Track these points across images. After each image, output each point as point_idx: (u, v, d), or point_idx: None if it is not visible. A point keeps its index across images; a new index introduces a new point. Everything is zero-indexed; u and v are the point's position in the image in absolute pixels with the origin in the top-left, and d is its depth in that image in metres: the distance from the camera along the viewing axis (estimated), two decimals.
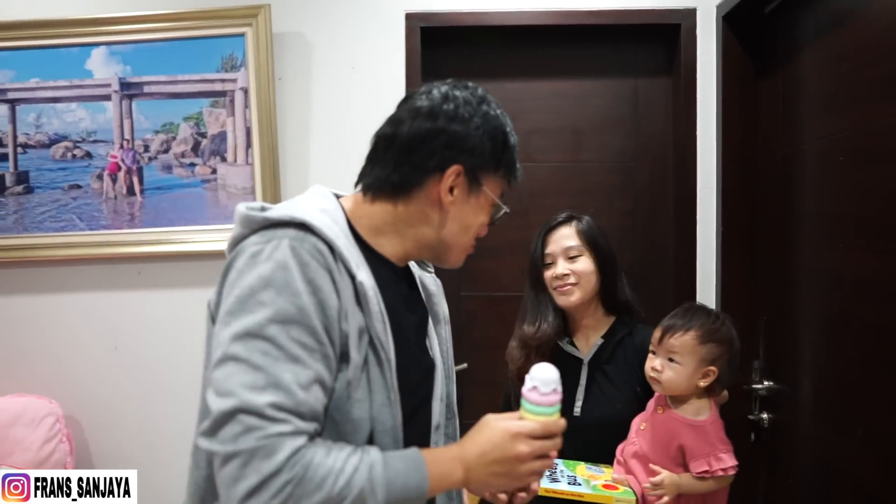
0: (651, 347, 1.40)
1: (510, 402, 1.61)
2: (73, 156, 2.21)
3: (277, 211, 0.92)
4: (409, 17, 2.13)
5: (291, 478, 0.78)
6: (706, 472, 1.27)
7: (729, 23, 2.01)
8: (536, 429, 0.93)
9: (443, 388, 1.11)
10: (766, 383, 1.94)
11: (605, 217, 2.25)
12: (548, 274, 1.54)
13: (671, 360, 1.34)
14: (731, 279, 2.05)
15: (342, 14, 2.16)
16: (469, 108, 0.99)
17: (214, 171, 2.17)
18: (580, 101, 2.25)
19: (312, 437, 0.83)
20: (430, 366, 1.08)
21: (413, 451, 0.89)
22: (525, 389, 0.97)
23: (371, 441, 0.90)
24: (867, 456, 1.43)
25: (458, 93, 1.00)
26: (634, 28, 2.17)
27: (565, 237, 1.54)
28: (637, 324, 1.60)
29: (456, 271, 2.34)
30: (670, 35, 2.17)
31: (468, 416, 2.41)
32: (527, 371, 1.46)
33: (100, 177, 2.20)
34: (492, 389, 1.83)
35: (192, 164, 2.18)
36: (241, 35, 2.11)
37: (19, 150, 2.21)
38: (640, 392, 1.49)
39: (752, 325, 2.02)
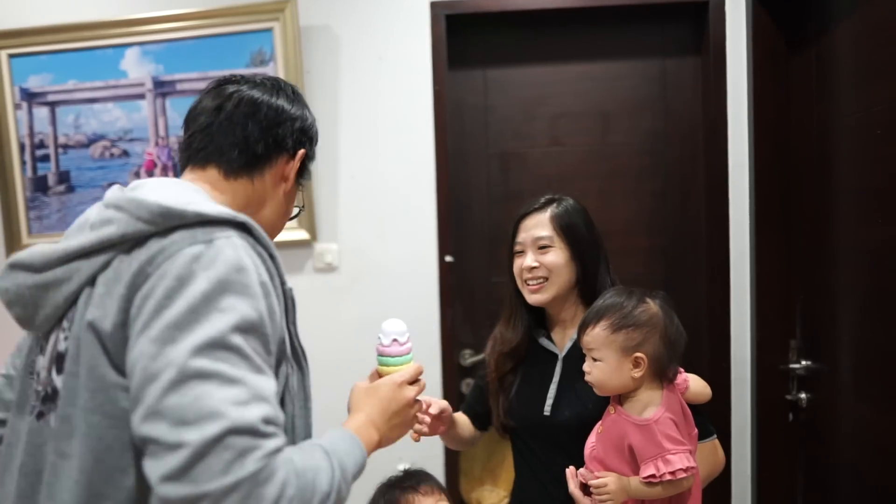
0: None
1: (483, 394, 1.50)
2: (111, 154, 2.27)
3: (205, 206, 0.82)
4: (434, 6, 2.14)
5: (294, 494, 0.71)
6: (653, 476, 1.10)
7: None
8: (408, 373, 1.03)
9: None
10: (803, 363, 1.92)
11: (634, 199, 2.25)
12: (517, 264, 1.41)
13: (595, 358, 1.19)
14: (766, 258, 2.03)
15: (367, 5, 2.17)
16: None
17: None
18: (607, 84, 2.24)
19: None
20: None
21: (343, 431, 0.90)
22: (377, 346, 1.11)
23: None
24: None
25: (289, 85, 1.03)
26: (661, 7, 2.15)
27: (537, 225, 1.38)
28: None
29: (485, 259, 2.38)
30: (698, 13, 2.14)
31: None
32: (503, 383, 1.43)
33: (137, 174, 2.26)
34: None
35: None
36: (269, 30, 2.13)
37: (60, 150, 2.28)
38: None
39: (789, 305, 1.99)
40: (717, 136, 2.11)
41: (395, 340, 1.07)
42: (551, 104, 2.25)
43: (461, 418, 1.51)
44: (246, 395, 0.70)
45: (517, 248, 1.41)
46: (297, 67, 2.12)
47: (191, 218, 0.79)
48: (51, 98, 2.26)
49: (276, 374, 0.81)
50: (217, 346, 0.71)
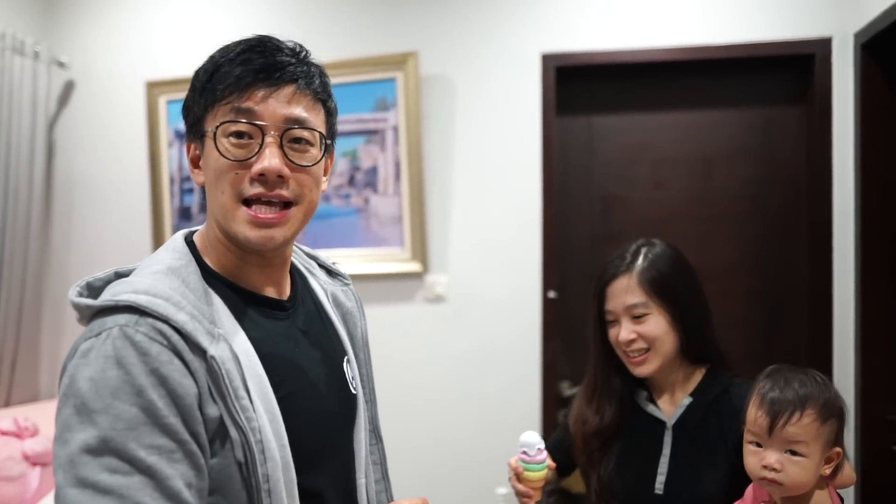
0: (752, 437, 1.06)
1: (565, 448, 1.39)
2: None
3: (107, 293, 0.79)
4: (545, 58, 2.30)
5: None
6: None
7: (868, 51, 2.02)
8: None
9: (365, 416, 1.02)
10: None
11: (735, 243, 2.30)
12: (611, 335, 1.26)
13: (793, 452, 1.01)
14: (872, 306, 2.03)
15: (483, 57, 2.36)
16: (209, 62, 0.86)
17: (367, 201, 2.42)
18: (710, 132, 2.32)
19: None
20: (349, 399, 0.98)
21: None
22: (521, 455, 1.19)
23: None
24: None
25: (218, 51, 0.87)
26: (766, 59, 2.22)
27: (626, 290, 1.22)
28: (734, 378, 1.26)
29: (586, 296, 2.43)
30: (803, 64, 2.20)
31: None
32: (592, 459, 1.31)
33: None
34: None
35: (348, 195, 2.44)
36: (393, 79, 2.35)
37: None
38: (739, 465, 1.11)
39: None
40: (822, 184, 2.15)
41: (539, 449, 1.19)
42: (653, 150, 2.35)
43: None
44: None
45: (609, 317, 1.26)
46: (417, 113, 2.32)
47: (85, 312, 0.79)
48: None
49: (213, 452, 0.77)
50: (93, 452, 0.69)
